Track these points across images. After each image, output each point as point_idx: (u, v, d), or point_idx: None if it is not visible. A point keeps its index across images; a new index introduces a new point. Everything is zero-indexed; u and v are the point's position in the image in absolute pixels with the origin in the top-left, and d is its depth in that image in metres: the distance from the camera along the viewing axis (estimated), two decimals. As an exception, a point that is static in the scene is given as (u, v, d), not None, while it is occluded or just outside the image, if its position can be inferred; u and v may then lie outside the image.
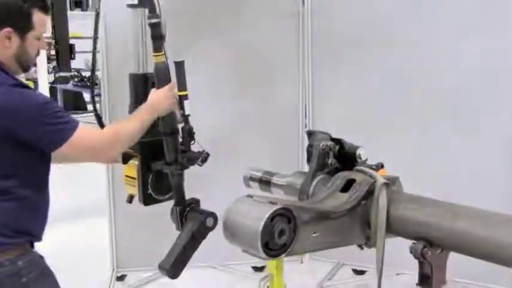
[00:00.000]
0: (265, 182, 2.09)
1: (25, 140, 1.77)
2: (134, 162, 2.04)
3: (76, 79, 10.86)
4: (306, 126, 3.58)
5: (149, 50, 1.97)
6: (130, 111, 2.00)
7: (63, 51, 11.56)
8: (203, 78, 3.18)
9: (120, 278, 3.65)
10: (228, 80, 3.46)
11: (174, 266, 1.88)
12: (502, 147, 3.06)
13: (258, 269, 3.86)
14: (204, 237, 1.93)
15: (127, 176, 2.07)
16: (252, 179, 2.16)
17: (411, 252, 1.60)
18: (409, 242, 1.66)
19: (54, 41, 11.24)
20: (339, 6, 3.45)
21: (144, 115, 1.91)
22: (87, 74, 9.94)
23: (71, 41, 11.84)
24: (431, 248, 1.58)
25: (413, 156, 3.21)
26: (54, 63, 11.41)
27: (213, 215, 1.91)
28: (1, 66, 1.82)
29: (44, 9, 1.88)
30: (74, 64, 11.83)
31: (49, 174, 1.94)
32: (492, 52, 3.04)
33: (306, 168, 3.31)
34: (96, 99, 2.45)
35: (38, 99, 1.81)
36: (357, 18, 3.38)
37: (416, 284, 1.67)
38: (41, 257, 1.90)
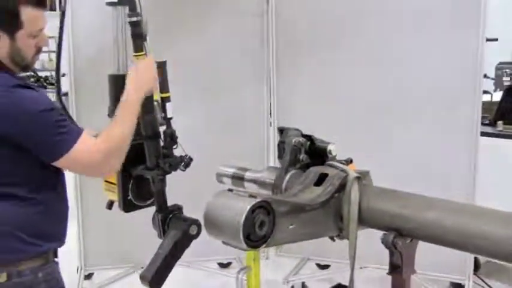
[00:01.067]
0: (238, 178, 2.13)
1: (23, 146, 1.68)
2: None
3: (32, 79, 10.65)
4: (270, 125, 3.65)
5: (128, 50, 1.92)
6: (110, 114, 1.92)
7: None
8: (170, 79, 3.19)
9: (88, 277, 3.64)
10: (195, 81, 3.47)
11: (157, 276, 1.83)
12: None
13: (224, 266, 3.92)
14: (187, 246, 1.90)
15: (106, 181, 2.01)
16: (224, 175, 2.20)
17: (382, 242, 1.67)
18: (373, 238, 1.76)
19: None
20: (301, 4, 3.51)
21: (128, 109, 1.80)
22: (43, 74, 9.75)
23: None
24: (402, 238, 1.66)
25: (374, 152, 3.30)
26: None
27: (196, 223, 1.88)
28: (1, 66, 1.73)
29: (37, 4, 1.75)
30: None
31: (63, 174, 1.87)
32: (459, 50, 3.15)
33: (272, 164, 3.42)
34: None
35: (38, 104, 1.68)
36: (320, 15, 3.45)
37: (387, 273, 1.74)
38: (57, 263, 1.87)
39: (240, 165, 2.16)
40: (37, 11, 1.75)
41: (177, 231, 1.87)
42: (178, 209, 1.96)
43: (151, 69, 1.86)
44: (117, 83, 1.94)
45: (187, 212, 2.00)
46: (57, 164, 1.73)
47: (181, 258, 3.54)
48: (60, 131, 1.69)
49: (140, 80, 1.84)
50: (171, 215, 1.93)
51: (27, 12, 1.72)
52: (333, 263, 3.68)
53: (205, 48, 3.49)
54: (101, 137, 1.78)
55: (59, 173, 1.85)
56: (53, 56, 9.52)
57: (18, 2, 1.71)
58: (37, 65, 11.46)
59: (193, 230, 1.88)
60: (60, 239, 1.88)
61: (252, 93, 3.64)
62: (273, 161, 3.53)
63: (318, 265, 3.83)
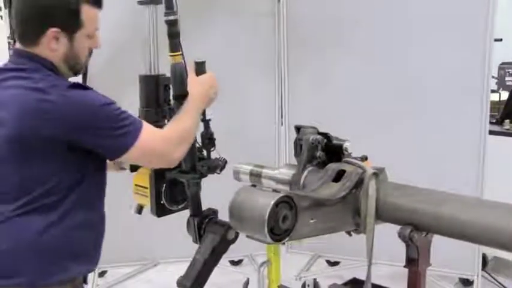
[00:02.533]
0: (255, 175, 2.19)
1: (81, 146, 1.60)
2: (145, 170, 1.93)
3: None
4: (282, 124, 3.70)
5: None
6: (141, 115, 1.90)
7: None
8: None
9: (101, 274, 3.70)
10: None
11: (195, 283, 1.79)
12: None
13: (235, 263, 3.97)
14: (225, 251, 1.86)
15: (137, 185, 1.97)
16: (242, 172, 2.25)
17: (399, 236, 1.73)
18: (382, 234, 1.80)
19: (13, 41, 11.06)
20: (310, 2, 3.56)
21: (195, 109, 1.80)
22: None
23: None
24: (418, 231, 1.72)
25: (384, 149, 3.34)
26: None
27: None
28: (53, 68, 1.63)
29: (96, 2, 1.68)
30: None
31: (105, 186, 1.80)
32: (458, 51, 3.21)
33: (282, 162, 3.48)
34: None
35: (97, 100, 1.61)
36: (330, 14, 3.50)
37: (404, 266, 1.80)
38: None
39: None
40: (95, 10, 1.69)
41: (215, 236, 1.83)
42: (213, 212, 1.93)
43: (215, 84, 1.90)
44: (149, 84, 1.93)
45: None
46: (125, 157, 1.65)
47: (190, 255, 3.60)
48: (124, 123, 1.63)
49: (205, 92, 1.87)
50: (207, 219, 1.91)
51: (86, 11, 1.64)
52: (343, 259, 3.74)
53: (214, 47, 3.54)
54: (168, 127, 1.77)
55: (103, 187, 1.79)
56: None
57: (83, 0, 1.63)
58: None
59: (231, 234, 1.84)
60: (94, 261, 1.79)
61: (261, 92, 3.69)
62: (284, 159, 3.59)
63: (328, 262, 3.89)
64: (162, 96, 1.95)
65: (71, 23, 1.62)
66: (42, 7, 1.57)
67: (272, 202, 1.54)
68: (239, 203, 1.60)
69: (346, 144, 2.02)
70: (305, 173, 1.99)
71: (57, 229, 1.61)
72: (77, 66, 1.71)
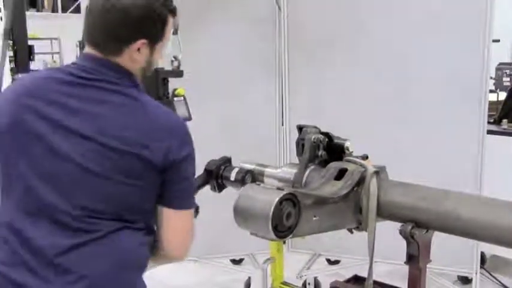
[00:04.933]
0: (258, 174, 2.23)
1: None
2: None
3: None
4: (282, 124, 3.74)
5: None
6: None
7: (21, 53, 11.36)
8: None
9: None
10: (206, 82, 3.55)
11: None
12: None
13: (236, 262, 4.01)
14: None
15: None
16: (244, 171, 2.29)
17: (400, 233, 1.77)
18: (382, 233, 1.83)
19: (12, 42, 11.05)
20: (311, 9, 3.60)
21: None
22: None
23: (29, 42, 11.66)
24: (418, 228, 1.76)
25: (383, 149, 3.38)
26: (12, 64, 11.21)
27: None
28: (138, 83, 1.54)
29: (174, 12, 1.57)
30: (33, 65, 11.64)
31: None
32: (457, 52, 3.25)
33: (283, 162, 3.51)
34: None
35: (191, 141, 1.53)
36: (330, 15, 3.53)
37: (405, 263, 1.84)
38: None
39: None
40: (173, 20, 1.59)
41: None
42: (228, 160, 2.09)
43: None
44: (148, 77, 1.86)
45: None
46: (176, 214, 1.53)
47: (193, 253, 3.63)
48: (192, 182, 1.58)
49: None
50: (223, 167, 2.09)
51: (170, 21, 1.55)
52: (343, 258, 3.77)
53: (215, 49, 3.58)
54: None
55: None
56: (57, 57, 9.58)
57: (167, 9, 1.54)
58: (40, 67, 11.59)
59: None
60: None
61: (262, 93, 3.72)
62: (285, 159, 3.62)
63: (328, 261, 3.92)
64: (161, 90, 2.02)
65: (157, 35, 1.53)
66: (134, 18, 1.47)
67: (276, 199, 1.58)
68: (244, 201, 1.64)
69: (347, 144, 2.05)
70: (307, 171, 2.02)
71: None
72: (145, 78, 1.61)
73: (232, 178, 2.03)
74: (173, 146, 1.46)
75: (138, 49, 1.49)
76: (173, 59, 2.26)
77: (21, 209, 1.45)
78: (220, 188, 2.05)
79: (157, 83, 2.03)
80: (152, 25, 1.50)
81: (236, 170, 2.05)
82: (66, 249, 1.42)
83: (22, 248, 1.42)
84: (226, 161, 2.06)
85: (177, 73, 2.23)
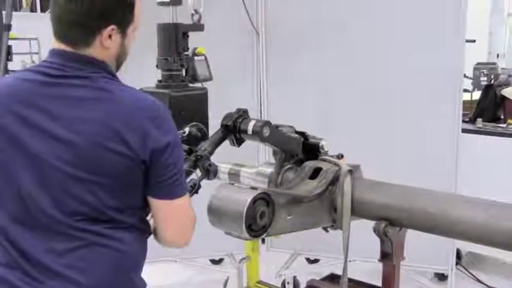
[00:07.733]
0: (234, 174, 2.24)
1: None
2: None
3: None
4: (260, 124, 3.73)
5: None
6: (160, 64, 1.88)
7: (-1, 53, 11.27)
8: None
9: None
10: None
11: None
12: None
13: (216, 262, 4.01)
14: None
15: None
16: (221, 171, 2.29)
17: (374, 231, 1.79)
18: (360, 233, 1.87)
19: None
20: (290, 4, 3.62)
21: None
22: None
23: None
24: (392, 226, 1.78)
25: (360, 148, 3.41)
26: (-11, 65, 11.10)
27: None
28: (112, 71, 1.49)
29: None
30: (11, 66, 11.52)
31: None
32: (441, 51, 3.29)
33: (261, 161, 3.51)
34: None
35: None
36: (310, 15, 3.55)
37: (378, 260, 1.86)
38: None
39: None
40: (140, 3, 1.55)
41: None
42: (244, 112, 2.04)
43: None
44: (168, 32, 1.93)
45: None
46: (166, 204, 1.49)
47: (172, 254, 3.61)
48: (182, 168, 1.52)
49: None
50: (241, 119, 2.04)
51: (137, 5, 1.52)
52: (322, 257, 3.80)
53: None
54: None
55: None
56: (36, 58, 9.47)
57: None
58: (18, 67, 11.45)
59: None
60: None
61: (240, 93, 3.73)
62: (263, 159, 3.63)
63: (308, 259, 3.94)
64: (181, 44, 1.95)
65: (126, 19, 1.49)
66: (100, 5, 1.42)
67: (249, 199, 1.59)
68: (217, 200, 1.65)
69: (322, 143, 2.07)
70: (283, 170, 2.04)
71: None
72: (121, 64, 1.56)
73: (250, 131, 1.95)
74: (151, 134, 1.40)
75: (110, 36, 1.44)
76: (194, 12, 2.16)
77: (12, 216, 1.43)
78: (239, 142, 1.97)
79: (177, 37, 1.95)
80: (120, 10, 1.45)
81: (253, 122, 1.96)
82: (60, 254, 1.41)
83: (18, 255, 1.42)
84: (243, 113, 1.98)
85: (198, 27, 2.14)
